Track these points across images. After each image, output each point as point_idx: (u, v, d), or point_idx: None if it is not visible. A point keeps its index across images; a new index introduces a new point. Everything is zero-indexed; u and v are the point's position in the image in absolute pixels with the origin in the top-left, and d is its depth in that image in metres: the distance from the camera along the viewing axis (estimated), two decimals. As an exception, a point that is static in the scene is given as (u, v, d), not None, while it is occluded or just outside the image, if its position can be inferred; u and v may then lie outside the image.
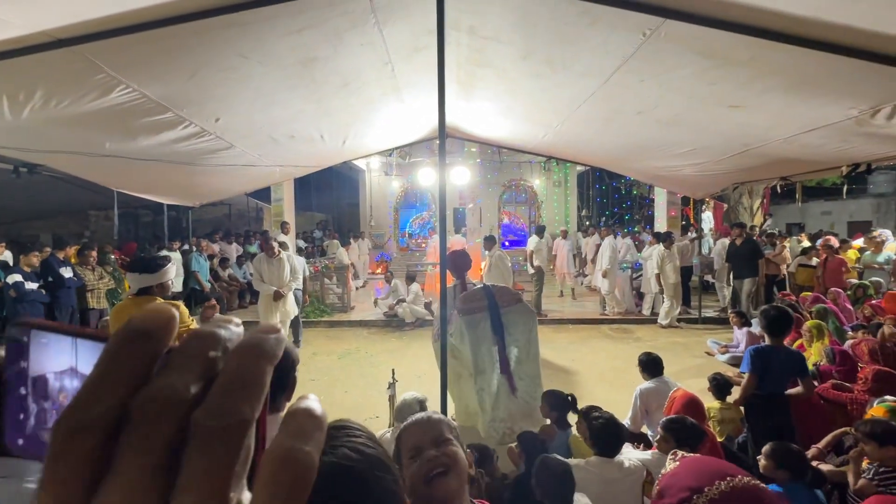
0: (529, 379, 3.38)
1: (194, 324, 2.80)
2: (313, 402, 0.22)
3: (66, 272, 5.63)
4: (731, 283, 7.66)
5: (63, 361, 0.25)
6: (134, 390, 0.19)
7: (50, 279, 5.47)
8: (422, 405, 2.54)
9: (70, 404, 0.19)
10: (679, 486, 1.06)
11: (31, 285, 5.30)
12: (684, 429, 2.17)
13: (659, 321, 7.64)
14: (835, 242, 7.50)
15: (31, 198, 8.33)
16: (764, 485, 1.05)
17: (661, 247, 7.57)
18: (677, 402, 2.85)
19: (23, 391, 0.25)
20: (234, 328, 0.22)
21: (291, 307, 5.63)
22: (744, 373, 3.01)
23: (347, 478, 0.65)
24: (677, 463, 1.15)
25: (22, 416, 0.25)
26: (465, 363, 3.38)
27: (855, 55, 2.25)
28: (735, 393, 3.95)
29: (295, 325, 6.04)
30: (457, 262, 3.62)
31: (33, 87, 2.61)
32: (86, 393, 0.19)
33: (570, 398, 2.85)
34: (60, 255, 5.85)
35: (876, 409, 2.57)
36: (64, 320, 5.60)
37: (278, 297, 5.36)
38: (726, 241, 8.10)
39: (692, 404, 2.80)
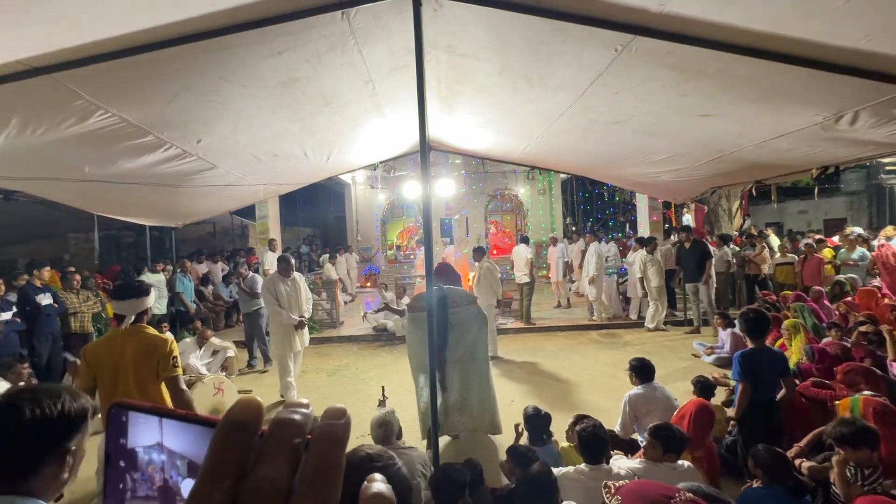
0: (477, 378, 3.46)
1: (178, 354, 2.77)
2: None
3: (45, 299, 5.45)
4: (684, 287, 7.68)
5: (151, 437, 0.28)
6: (239, 478, 0.24)
7: (27, 308, 5.28)
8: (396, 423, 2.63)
9: (191, 494, 0.24)
10: None
11: (4, 315, 5.12)
12: (671, 435, 2.20)
13: (646, 324, 7.74)
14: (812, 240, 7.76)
15: (7, 222, 8.13)
16: (702, 500, 1.09)
17: (643, 251, 7.70)
18: (689, 407, 2.89)
19: (122, 464, 0.29)
20: (305, 411, 0.27)
21: (306, 334, 5.25)
22: (735, 380, 3.04)
23: None
24: (619, 498, 1.18)
25: (121, 486, 0.29)
26: (415, 360, 3.47)
27: (814, 66, 2.36)
28: (719, 394, 4.03)
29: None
30: (440, 276, 3.66)
31: (8, 115, 2.57)
32: (202, 485, 0.24)
33: (544, 415, 2.98)
34: (38, 282, 5.62)
35: (843, 403, 2.68)
36: (44, 348, 5.43)
37: (301, 326, 4.97)
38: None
39: (704, 411, 2.84)
